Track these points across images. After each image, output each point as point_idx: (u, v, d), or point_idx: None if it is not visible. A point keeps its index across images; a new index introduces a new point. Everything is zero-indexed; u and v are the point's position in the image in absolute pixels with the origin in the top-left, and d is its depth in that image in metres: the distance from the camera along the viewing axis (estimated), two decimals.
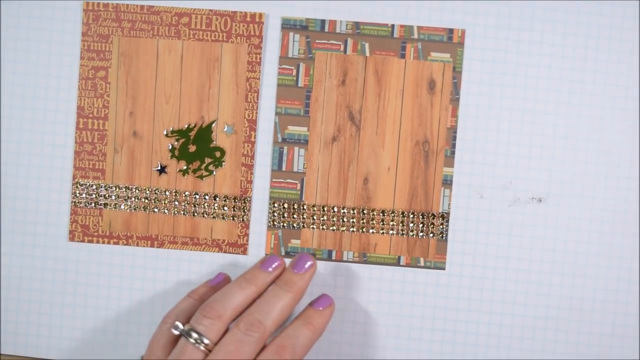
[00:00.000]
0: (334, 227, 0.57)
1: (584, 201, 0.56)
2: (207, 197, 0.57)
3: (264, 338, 0.49)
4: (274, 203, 0.57)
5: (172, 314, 0.52)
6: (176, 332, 0.50)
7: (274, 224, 0.57)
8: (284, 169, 0.57)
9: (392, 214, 0.56)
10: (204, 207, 0.57)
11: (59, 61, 0.57)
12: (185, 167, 0.57)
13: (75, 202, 0.57)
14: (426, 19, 0.56)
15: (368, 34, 0.56)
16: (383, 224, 0.56)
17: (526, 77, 0.56)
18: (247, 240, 0.57)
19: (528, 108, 0.56)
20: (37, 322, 0.57)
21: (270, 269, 0.53)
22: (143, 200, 0.57)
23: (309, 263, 0.53)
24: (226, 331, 0.50)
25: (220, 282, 0.55)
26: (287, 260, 0.55)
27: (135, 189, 0.57)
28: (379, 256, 0.57)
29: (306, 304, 0.54)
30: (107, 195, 0.57)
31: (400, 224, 0.56)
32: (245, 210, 0.57)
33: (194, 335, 0.49)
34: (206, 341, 0.49)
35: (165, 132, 0.57)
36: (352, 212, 0.56)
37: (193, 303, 0.53)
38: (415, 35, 0.56)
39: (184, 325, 0.50)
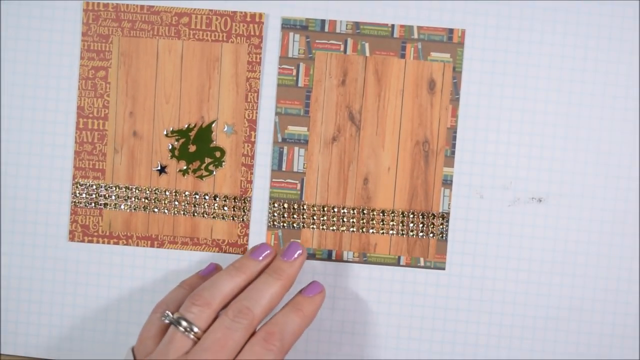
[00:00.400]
0: (334, 227, 0.57)
1: (584, 201, 0.56)
2: (207, 197, 0.57)
3: (252, 325, 0.49)
4: (274, 203, 0.57)
5: (163, 303, 0.52)
6: (166, 321, 0.50)
7: (274, 224, 0.57)
8: (284, 169, 0.57)
9: (392, 214, 0.56)
10: (204, 207, 0.57)
11: (59, 61, 0.57)
12: (185, 167, 0.57)
13: (75, 202, 0.57)
14: (426, 19, 0.56)
15: (368, 34, 0.56)
16: (383, 224, 0.56)
17: (526, 77, 0.56)
18: (247, 240, 0.57)
19: (528, 108, 0.56)
20: (37, 322, 0.57)
21: (260, 258, 0.52)
22: (143, 200, 0.57)
23: (298, 252, 0.52)
24: (216, 319, 0.50)
25: (211, 272, 0.55)
26: None
27: (135, 189, 0.57)
28: (379, 256, 0.57)
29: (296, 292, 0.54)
30: (107, 195, 0.57)
31: (400, 224, 0.56)
32: (245, 210, 0.57)
33: (184, 323, 0.49)
34: (195, 329, 0.49)
35: (165, 132, 0.57)
36: (352, 212, 0.56)
37: (183, 292, 0.53)
38: (415, 35, 0.56)
39: (173, 314, 0.50)
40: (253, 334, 0.49)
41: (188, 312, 0.49)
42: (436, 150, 0.56)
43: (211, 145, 0.57)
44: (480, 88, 0.56)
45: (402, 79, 0.56)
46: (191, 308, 0.49)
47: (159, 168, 0.57)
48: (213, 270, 0.55)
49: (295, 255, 0.52)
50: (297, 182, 0.57)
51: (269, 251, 0.53)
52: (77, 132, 0.57)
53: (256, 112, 0.57)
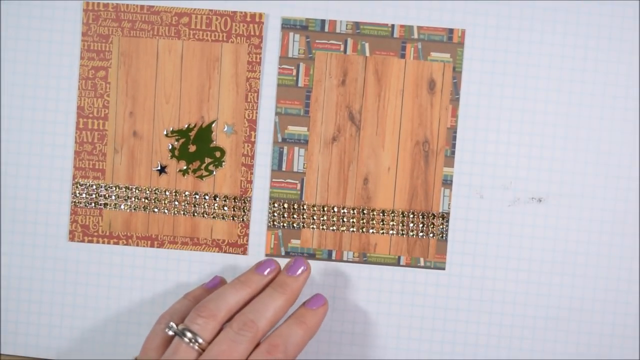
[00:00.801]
0: (334, 227, 0.57)
1: (584, 201, 0.56)
2: (207, 197, 0.57)
3: (256, 338, 0.50)
4: (274, 203, 0.57)
5: (167, 314, 0.52)
6: (170, 332, 0.50)
7: (274, 224, 0.57)
8: (284, 169, 0.57)
9: (392, 214, 0.56)
10: (204, 207, 0.57)
11: (59, 61, 0.57)
12: (185, 167, 0.57)
13: (75, 202, 0.57)
14: (426, 19, 0.56)
15: (368, 34, 0.56)
16: (383, 224, 0.56)
17: (526, 77, 0.56)
18: (247, 241, 0.57)
19: (528, 108, 0.56)
20: (37, 322, 0.57)
21: (265, 273, 0.53)
22: (143, 200, 0.57)
23: (302, 268, 0.53)
24: (220, 331, 0.50)
25: (215, 285, 0.55)
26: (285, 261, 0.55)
27: (135, 189, 0.57)
28: (379, 256, 0.57)
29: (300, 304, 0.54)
30: (107, 195, 0.57)
31: (400, 224, 0.56)
32: (245, 210, 0.57)
33: (188, 334, 0.49)
34: (200, 340, 0.49)
35: (165, 132, 0.57)
36: (352, 212, 0.56)
37: (188, 304, 0.53)
38: (415, 35, 0.56)
39: (177, 325, 0.50)
40: (257, 346, 0.50)
41: (193, 324, 0.49)
42: (436, 150, 0.56)
43: (211, 145, 0.57)
44: (480, 88, 0.56)
45: (402, 79, 0.56)
46: (196, 319, 0.50)
47: (159, 168, 0.57)
48: (218, 283, 0.55)
49: (300, 271, 0.53)
50: (297, 182, 0.57)
51: (274, 266, 0.53)
52: (77, 132, 0.57)
53: (256, 112, 0.57)
